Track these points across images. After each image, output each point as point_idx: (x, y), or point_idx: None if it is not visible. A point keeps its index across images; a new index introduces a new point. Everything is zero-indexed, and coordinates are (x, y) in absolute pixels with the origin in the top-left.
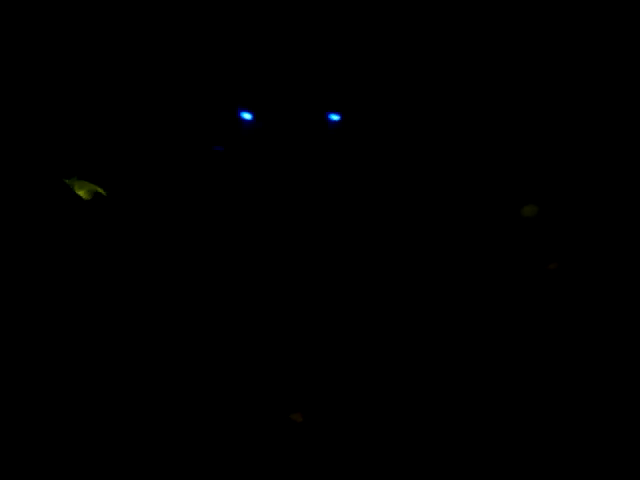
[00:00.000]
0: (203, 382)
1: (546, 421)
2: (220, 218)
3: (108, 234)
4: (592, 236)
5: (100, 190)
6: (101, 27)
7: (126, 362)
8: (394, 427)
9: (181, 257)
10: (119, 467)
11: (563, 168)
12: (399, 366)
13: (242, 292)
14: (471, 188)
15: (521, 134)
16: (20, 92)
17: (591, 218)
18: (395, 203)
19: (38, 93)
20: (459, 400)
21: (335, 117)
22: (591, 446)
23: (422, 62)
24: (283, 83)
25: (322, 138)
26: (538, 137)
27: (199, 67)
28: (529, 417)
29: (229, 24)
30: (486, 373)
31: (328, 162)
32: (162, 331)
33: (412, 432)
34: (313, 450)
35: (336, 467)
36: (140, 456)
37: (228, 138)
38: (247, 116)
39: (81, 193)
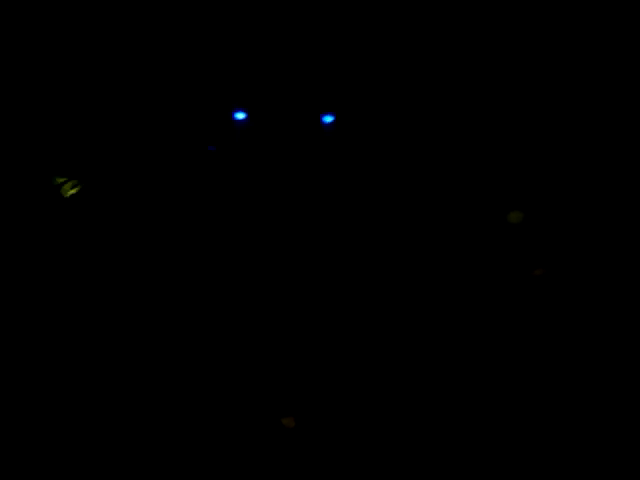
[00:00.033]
0: (196, 383)
1: (530, 423)
2: (213, 217)
3: (100, 233)
4: (578, 242)
5: (78, 187)
6: (89, 27)
7: (114, 363)
8: (387, 431)
9: (174, 256)
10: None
11: (549, 174)
12: (388, 370)
13: (233, 292)
14: (457, 194)
15: (506, 140)
16: (8, 92)
17: (577, 224)
18: (383, 205)
19: (25, 92)
20: (449, 407)
21: (329, 118)
22: (581, 448)
23: (413, 66)
24: (277, 83)
25: (315, 139)
26: (523, 143)
27: (192, 67)
28: (513, 420)
29: (222, 24)
30: (471, 379)
31: (321, 163)
32: (154, 332)
33: (405, 435)
34: (305, 455)
35: (328, 473)
36: (131, 458)
37: (221, 138)
38: (240, 116)
39: (68, 191)
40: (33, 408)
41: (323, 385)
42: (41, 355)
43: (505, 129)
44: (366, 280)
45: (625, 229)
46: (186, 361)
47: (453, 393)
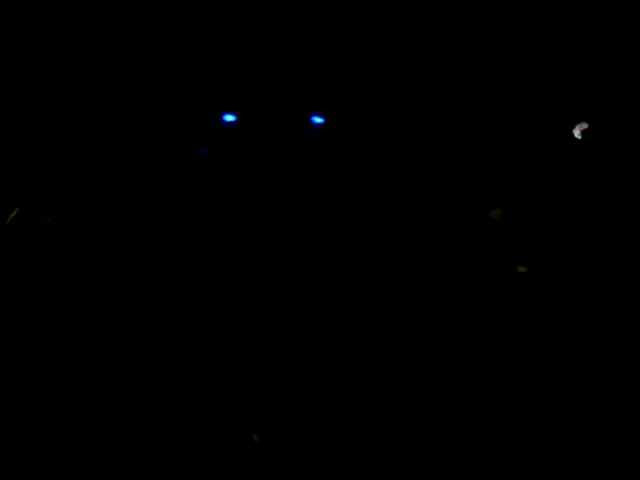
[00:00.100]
0: (189, 386)
1: (513, 423)
2: (205, 219)
3: (95, 234)
4: (561, 239)
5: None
6: (79, 31)
7: (108, 366)
8: (380, 430)
9: (166, 259)
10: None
11: (531, 171)
12: (377, 372)
13: (224, 297)
14: (441, 191)
15: (489, 139)
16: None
17: (561, 221)
18: (371, 205)
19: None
20: (439, 413)
21: (319, 120)
22: (574, 449)
23: (399, 67)
24: (266, 85)
25: (305, 141)
26: (506, 141)
27: (182, 69)
28: (498, 420)
29: (212, 27)
30: (457, 378)
31: (311, 164)
32: (146, 336)
33: (399, 435)
34: (305, 455)
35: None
36: (120, 460)
37: (211, 140)
38: (230, 118)
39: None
40: (33, 408)
41: (319, 386)
42: (41, 355)
43: (487, 128)
44: (353, 279)
45: (607, 226)
46: (181, 361)
47: (439, 389)
